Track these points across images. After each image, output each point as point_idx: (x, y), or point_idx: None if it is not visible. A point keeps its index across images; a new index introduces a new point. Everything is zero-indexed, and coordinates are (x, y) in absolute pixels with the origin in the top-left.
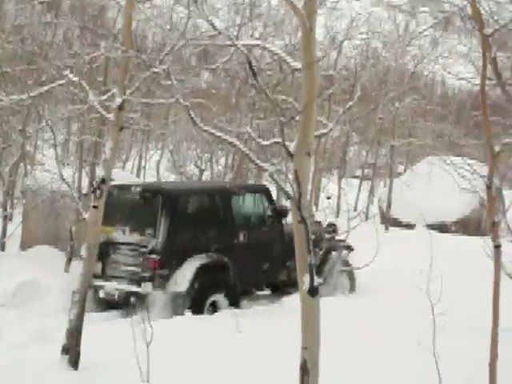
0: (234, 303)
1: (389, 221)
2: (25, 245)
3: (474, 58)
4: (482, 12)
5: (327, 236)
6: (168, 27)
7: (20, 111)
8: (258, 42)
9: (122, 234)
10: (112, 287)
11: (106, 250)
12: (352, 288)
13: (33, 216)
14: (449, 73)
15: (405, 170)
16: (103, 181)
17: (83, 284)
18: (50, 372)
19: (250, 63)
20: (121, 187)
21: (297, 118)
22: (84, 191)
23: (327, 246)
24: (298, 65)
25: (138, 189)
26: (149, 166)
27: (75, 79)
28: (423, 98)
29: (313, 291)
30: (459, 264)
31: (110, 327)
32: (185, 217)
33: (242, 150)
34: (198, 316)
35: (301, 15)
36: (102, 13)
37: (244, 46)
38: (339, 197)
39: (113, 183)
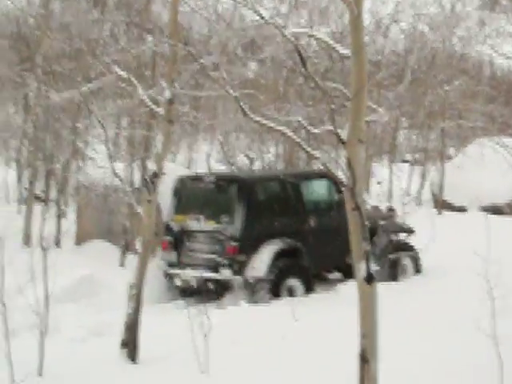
0: (309, 287)
1: (442, 205)
2: (80, 240)
3: None
4: None
5: (386, 219)
6: (214, 18)
7: (70, 108)
8: (306, 30)
9: (196, 223)
10: (189, 275)
11: (180, 239)
12: (417, 270)
13: (87, 212)
14: (497, 53)
15: (456, 153)
16: (155, 175)
17: (139, 278)
18: (109, 366)
19: (299, 51)
20: (193, 177)
21: (347, 104)
22: (136, 185)
23: (390, 230)
24: (347, 51)
25: (212, 178)
26: (199, 158)
27: (124, 74)
28: (472, 79)
29: (369, 278)
30: None
31: (169, 318)
32: (259, 204)
33: (292, 139)
34: (254, 305)
35: (348, 2)
36: (148, 7)
37: (291, 34)
38: (391, 182)
39: (184, 173)
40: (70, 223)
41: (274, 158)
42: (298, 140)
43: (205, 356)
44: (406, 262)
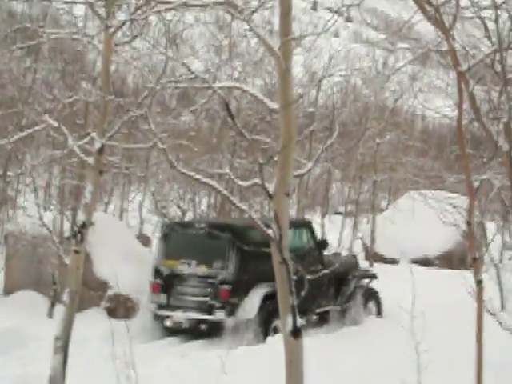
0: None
1: (373, 256)
2: (8, 290)
3: (452, 93)
4: (458, 47)
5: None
6: (147, 70)
7: (1, 156)
8: (235, 84)
9: (187, 267)
10: (180, 316)
11: (170, 282)
12: (379, 312)
13: (15, 261)
14: (428, 108)
15: (387, 206)
16: (84, 225)
17: (65, 329)
18: None
19: (227, 105)
20: (183, 224)
21: (275, 158)
22: (66, 235)
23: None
24: (275, 105)
25: (203, 225)
26: (131, 208)
27: (55, 124)
28: (404, 133)
29: (296, 333)
30: (442, 299)
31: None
32: (249, 250)
33: (221, 193)
34: (180, 360)
35: (277, 57)
36: (82, 55)
37: (221, 88)
38: (323, 234)
39: (174, 221)
40: None
41: (206, 209)
42: (226, 193)
43: None
44: (371, 305)
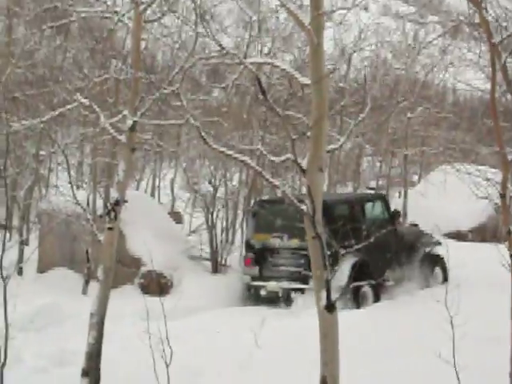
0: (377, 295)
1: None
2: (42, 268)
3: (484, 65)
4: (490, 19)
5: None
6: (177, 46)
7: (33, 135)
8: (266, 60)
9: (279, 241)
10: (275, 286)
11: (262, 255)
12: (445, 278)
13: (49, 239)
14: (459, 81)
15: (419, 180)
16: (117, 202)
17: (100, 306)
18: None
19: (258, 81)
20: (273, 201)
21: (308, 133)
22: (99, 213)
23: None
24: (307, 80)
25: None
26: (163, 185)
27: (86, 102)
28: (435, 106)
29: (330, 307)
30: (476, 273)
31: (130, 345)
32: (337, 222)
33: (253, 168)
34: (217, 330)
35: (308, 31)
36: (112, 34)
37: (252, 63)
38: None
39: (264, 198)
40: (32, 251)
41: (238, 185)
42: (258, 169)
43: None
44: (437, 270)
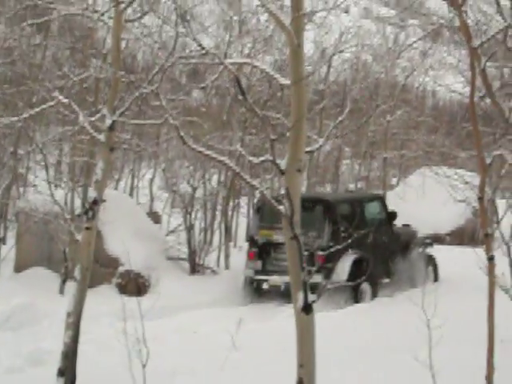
0: (375, 292)
1: None
2: (19, 267)
3: (463, 69)
4: (470, 23)
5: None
6: (157, 46)
7: (11, 133)
8: (246, 60)
9: (282, 236)
10: (277, 280)
11: (266, 250)
12: (436, 278)
13: (26, 238)
14: (439, 85)
15: (398, 183)
16: (95, 202)
17: (77, 306)
18: None
19: (238, 81)
20: (277, 198)
21: (287, 134)
22: (77, 212)
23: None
24: (287, 81)
25: None
26: (142, 185)
27: (65, 101)
28: (414, 110)
29: (307, 308)
30: (454, 276)
31: (107, 345)
32: (339, 220)
33: (232, 168)
34: (194, 333)
35: (288, 32)
36: (92, 33)
37: (232, 64)
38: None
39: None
40: (9, 249)
41: (217, 186)
42: (237, 169)
43: None
44: (429, 270)
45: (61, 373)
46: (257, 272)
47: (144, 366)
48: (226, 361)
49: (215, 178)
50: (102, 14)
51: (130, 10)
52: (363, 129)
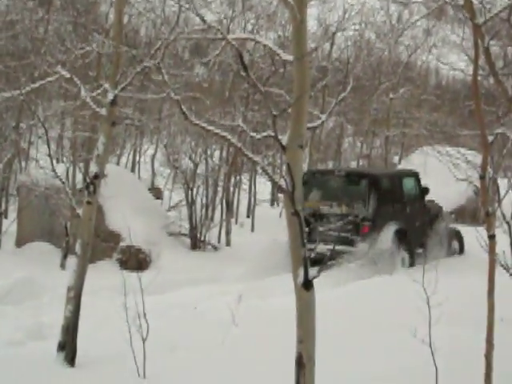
0: (413, 260)
1: None
2: (20, 241)
3: (467, 48)
4: (474, 1)
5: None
6: (160, 21)
7: (13, 107)
8: (249, 36)
9: (329, 207)
10: (323, 248)
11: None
12: (462, 250)
13: (27, 212)
14: (442, 63)
15: (400, 161)
16: (96, 176)
17: (78, 280)
18: (45, 369)
19: (241, 57)
20: (323, 171)
21: (289, 110)
22: (78, 187)
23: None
24: (290, 57)
25: (342, 173)
26: (143, 161)
27: (67, 75)
28: (417, 88)
29: (307, 285)
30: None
31: (109, 322)
32: (383, 193)
33: (234, 144)
34: (194, 308)
35: (291, 8)
36: (95, 8)
37: (235, 39)
38: None
39: (315, 168)
40: (10, 223)
41: (219, 162)
42: (239, 145)
43: (142, 361)
44: (455, 242)
45: (61, 347)
46: None
47: (144, 341)
48: (225, 336)
49: (217, 153)
50: None
51: None
52: (366, 106)
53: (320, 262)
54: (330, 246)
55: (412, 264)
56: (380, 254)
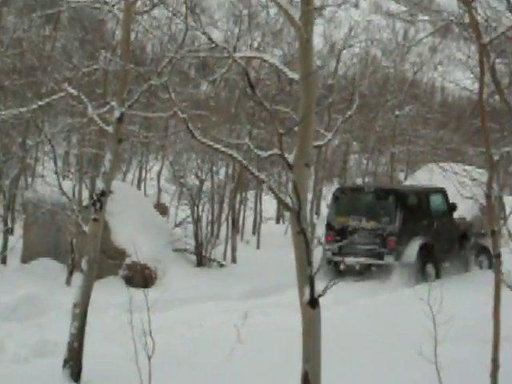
0: (438, 274)
1: None
2: (26, 258)
3: (472, 65)
4: (480, 20)
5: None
6: (166, 39)
7: (20, 124)
8: (255, 54)
9: (358, 222)
10: (353, 261)
11: (342, 234)
12: (490, 266)
13: (34, 229)
14: (448, 81)
15: (405, 178)
16: (103, 193)
17: (84, 297)
18: None
19: (247, 75)
20: (353, 188)
21: (295, 128)
22: (84, 203)
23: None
24: (296, 76)
25: (372, 189)
26: (149, 177)
27: (74, 92)
28: (423, 105)
29: (313, 303)
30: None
31: (114, 339)
32: (409, 209)
33: (240, 162)
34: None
35: (298, 26)
36: (101, 25)
37: (241, 57)
38: None
39: (345, 185)
40: (16, 240)
41: (225, 179)
42: (244, 162)
43: (148, 378)
44: (483, 258)
45: (66, 364)
46: (334, 253)
47: (150, 358)
48: (231, 353)
49: (223, 171)
50: (113, 6)
51: (139, 2)
52: (371, 124)
53: (351, 273)
54: (360, 259)
55: (438, 277)
56: (405, 267)
